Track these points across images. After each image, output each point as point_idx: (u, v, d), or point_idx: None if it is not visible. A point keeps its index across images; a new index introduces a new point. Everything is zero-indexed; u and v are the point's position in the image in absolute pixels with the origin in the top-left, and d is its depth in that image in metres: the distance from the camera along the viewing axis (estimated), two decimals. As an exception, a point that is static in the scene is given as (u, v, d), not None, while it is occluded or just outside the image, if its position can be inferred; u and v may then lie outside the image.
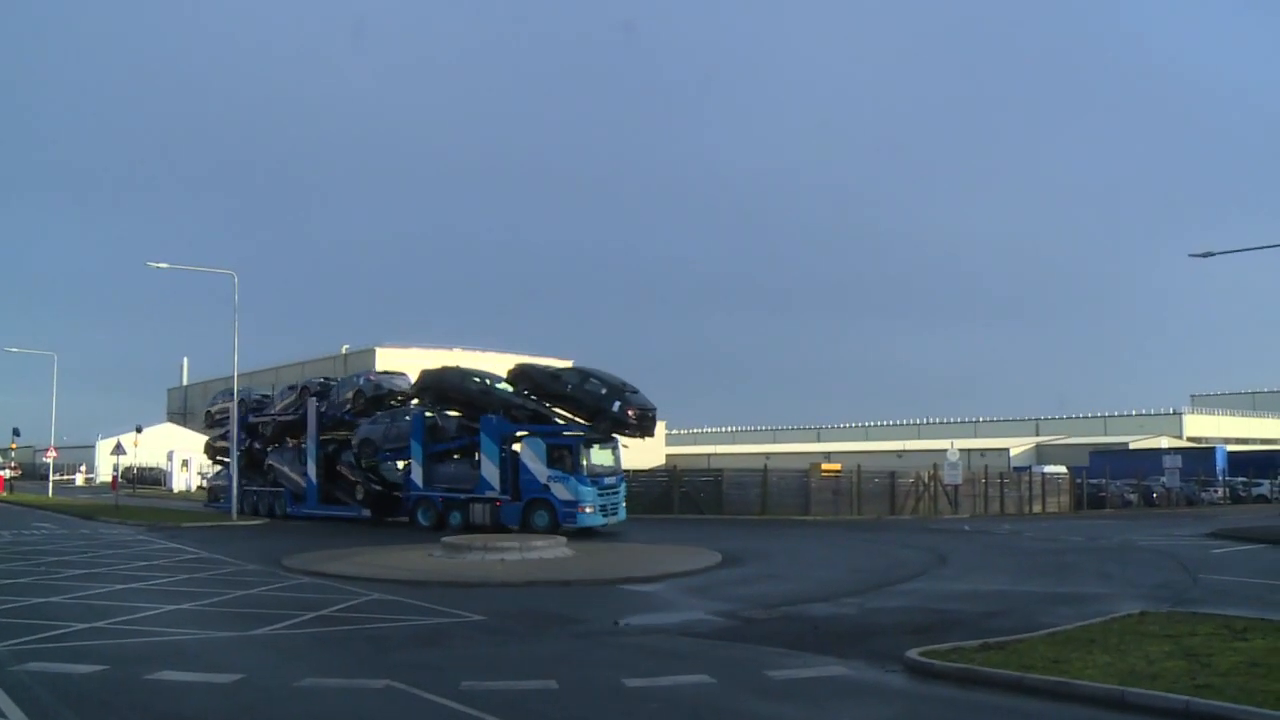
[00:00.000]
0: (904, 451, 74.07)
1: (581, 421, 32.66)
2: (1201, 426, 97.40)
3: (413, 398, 37.02)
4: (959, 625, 13.65)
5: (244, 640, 13.09)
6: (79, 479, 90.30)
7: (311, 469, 37.79)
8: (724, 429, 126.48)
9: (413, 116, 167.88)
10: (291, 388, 41.40)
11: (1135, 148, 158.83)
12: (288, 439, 40.95)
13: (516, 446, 32.56)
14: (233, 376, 41.19)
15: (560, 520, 30.17)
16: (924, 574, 21.03)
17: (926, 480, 44.84)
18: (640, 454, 40.81)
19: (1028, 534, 32.77)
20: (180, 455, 78.22)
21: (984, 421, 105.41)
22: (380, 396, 37.39)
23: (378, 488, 37.13)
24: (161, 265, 40.14)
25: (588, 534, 29.83)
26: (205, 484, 45.07)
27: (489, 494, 32.03)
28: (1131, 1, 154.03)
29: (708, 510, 42.15)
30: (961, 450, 46.15)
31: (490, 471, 32.18)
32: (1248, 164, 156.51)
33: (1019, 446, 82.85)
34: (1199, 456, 64.28)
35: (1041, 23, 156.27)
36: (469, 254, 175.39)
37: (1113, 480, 52.69)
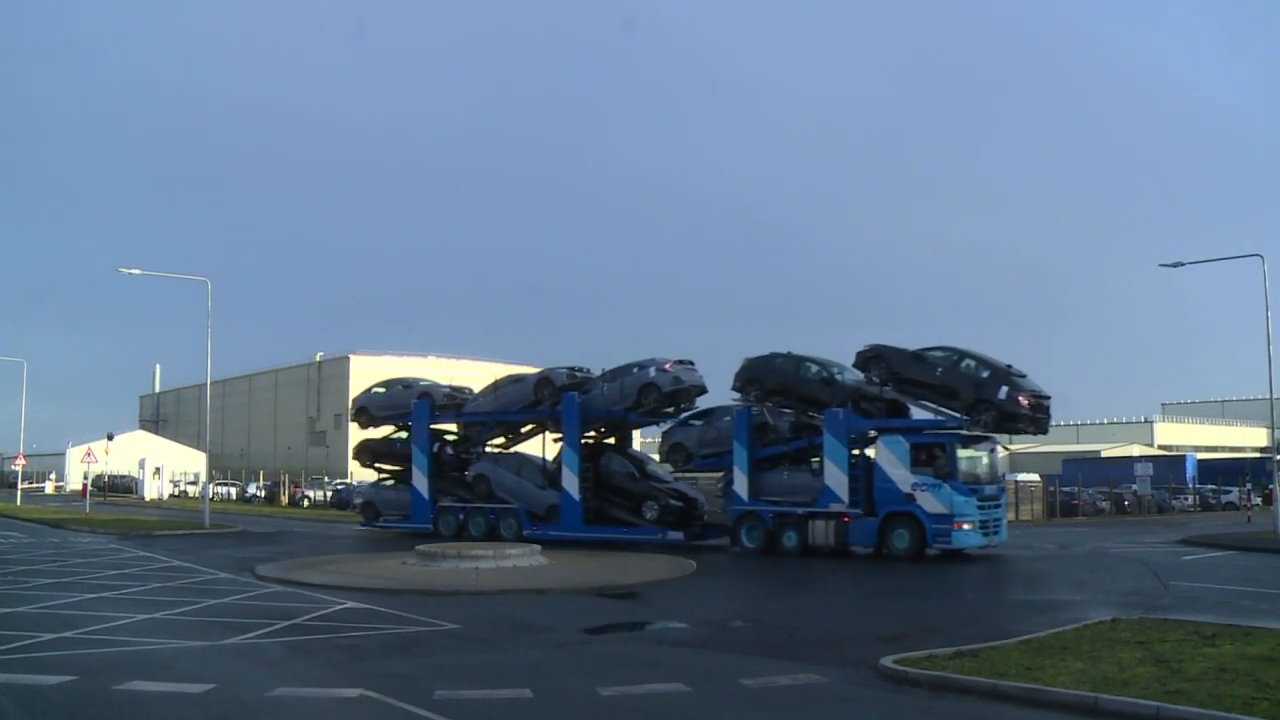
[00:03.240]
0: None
1: (952, 414, 25.99)
2: (1172, 435, 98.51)
3: (736, 391, 29.46)
4: (933, 633, 13.70)
5: (215, 650, 12.95)
6: (49, 487, 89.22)
7: (572, 481, 30.49)
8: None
9: (387, 126, 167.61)
10: (516, 380, 33.75)
11: (1108, 158, 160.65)
12: (483, 444, 35.08)
13: (869, 449, 27.03)
14: (205, 384, 40.89)
15: (930, 539, 24.60)
16: (899, 582, 21.10)
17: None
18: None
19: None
20: (152, 463, 77.47)
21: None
22: (679, 392, 30.43)
23: (677, 503, 30.05)
24: (133, 271, 39.90)
25: (571, 543, 28.59)
26: (357, 497, 37.50)
27: (834, 507, 25.99)
28: (1105, 13, 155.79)
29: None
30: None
31: (836, 479, 26.05)
32: (1218, 175, 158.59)
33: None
34: (1170, 464, 64.93)
35: (1019, 35, 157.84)
36: (444, 263, 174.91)
37: (1085, 488, 53.07)
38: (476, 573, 21.10)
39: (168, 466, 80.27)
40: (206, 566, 23.25)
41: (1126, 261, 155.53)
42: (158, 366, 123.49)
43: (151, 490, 74.75)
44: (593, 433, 32.28)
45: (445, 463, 34.67)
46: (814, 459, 27.36)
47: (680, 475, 31.82)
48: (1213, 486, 60.81)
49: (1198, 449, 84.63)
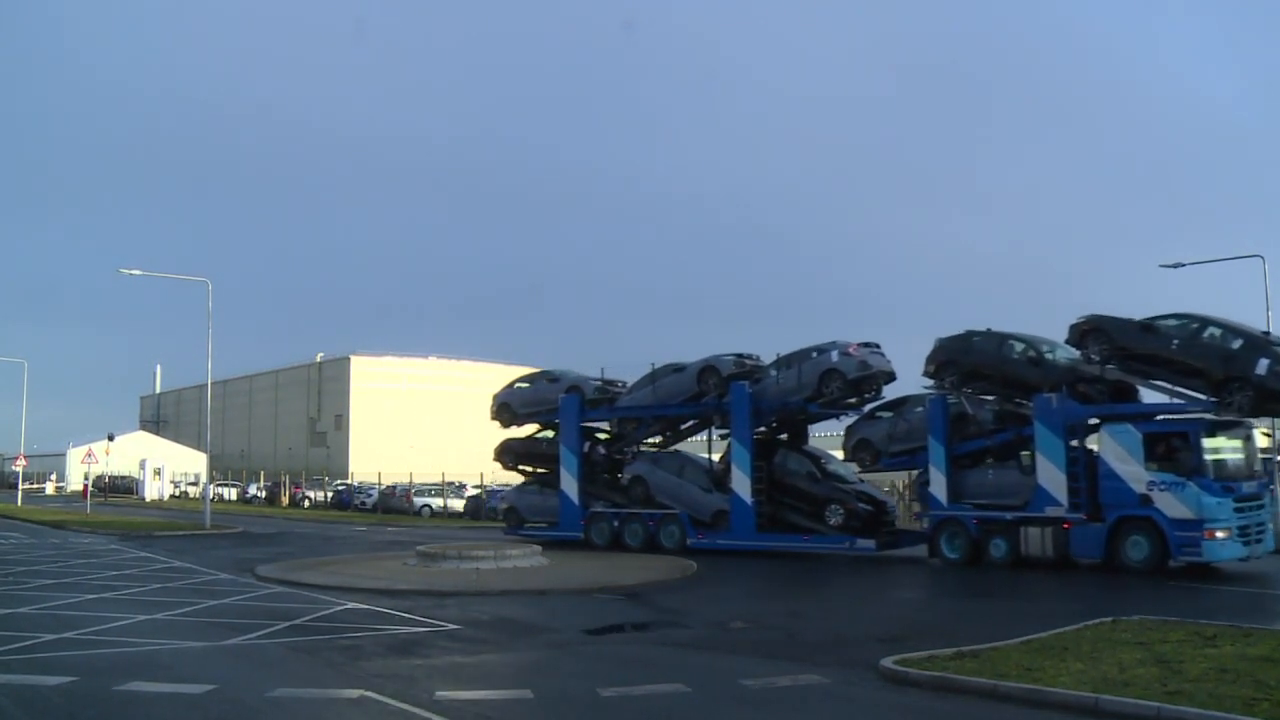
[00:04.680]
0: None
1: (1194, 395, 21.49)
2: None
3: (929, 377, 25.46)
4: (933, 633, 13.70)
5: (216, 650, 12.96)
6: (49, 488, 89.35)
7: (744, 483, 26.62)
8: (700, 438, 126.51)
9: (387, 126, 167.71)
10: (677, 369, 29.54)
11: (1107, 158, 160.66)
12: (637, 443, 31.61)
13: (1090, 441, 22.62)
14: (206, 384, 40.90)
15: (1173, 550, 20.21)
16: (900, 584, 21.10)
17: (902, 490, 44.85)
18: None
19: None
20: (153, 464, 77.54)
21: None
22: (865, 379, 26.55)
23: (865, 507, 26.21)
24: (134, 272, 39.96)
25: (571, 544, 28.21)
26: (500, 502, 34.17)
27: (1051, 511, 21.93)
28: (1104, 13, 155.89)
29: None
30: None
31: (1051, 478, 22.00)
32: (1218, 175, 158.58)
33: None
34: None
35: (1018, 35, 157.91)
36: (445, 263, 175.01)
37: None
38: (477, 573, 21.11)
39: (168, 467, 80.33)
40: (207, 567, 23.27)
41: (1126, 262, 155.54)
42: (158, 367, 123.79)
43: (152, 491, 74.83)
44: (762, 428, 28.27)
45: (596, 464, 31.26)
46: (1023, 453, 23.55)
47: (863, 476, 28.23)
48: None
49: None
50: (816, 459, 28.13)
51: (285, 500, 63.97)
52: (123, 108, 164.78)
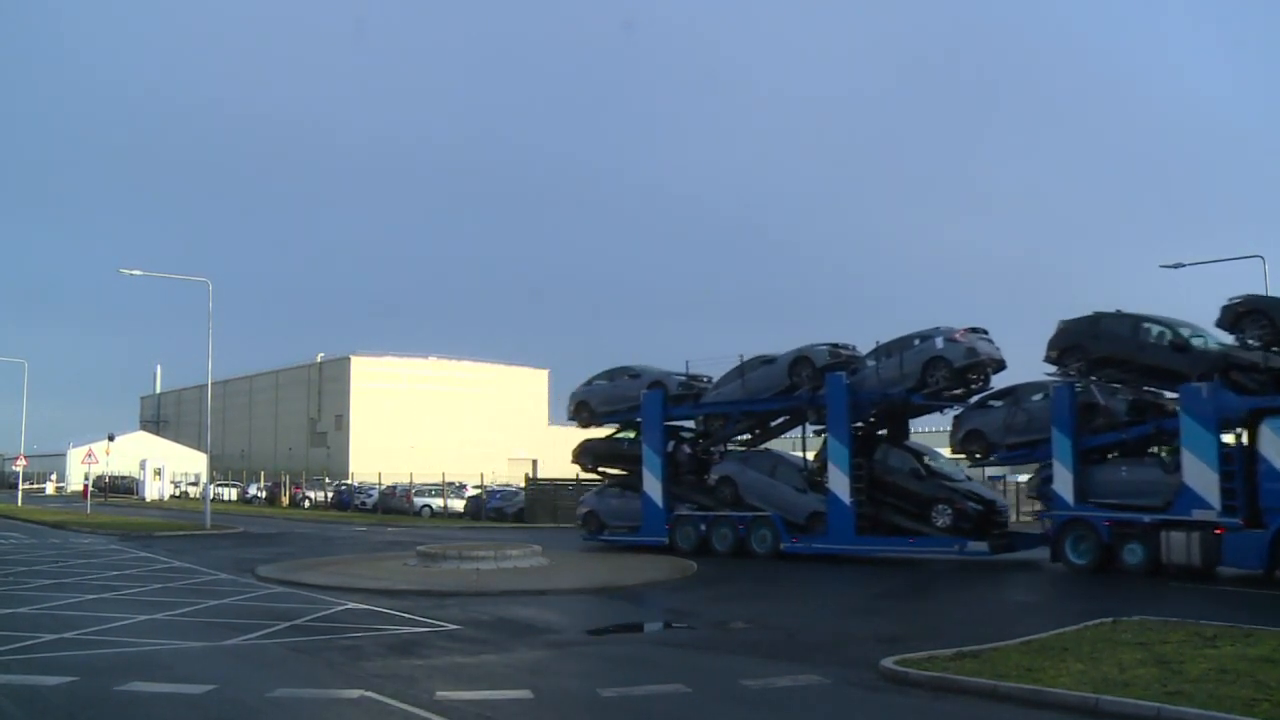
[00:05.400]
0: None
1: None
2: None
3: (1052, 363, 23.23)
4: (934, 634, 13.70)
5: (216, 650, 12.96)
6: (49, 488, 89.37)
7: (842, 482, 24.83)
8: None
9: (387, 127, 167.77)
10: (767, 361, 27.68)
11: (1107, 158, 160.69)
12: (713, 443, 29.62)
13: (1243, 435, 20.27)
14: (206, 384, 40.89)
15: None
16: (900, 582, 21.09)
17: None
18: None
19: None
20: (153, 464, 77.54)
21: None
22: (973, 367, 24.63)
23: (975, 506, 24.28)
24: (134, 272, 39.97)
25: (564, 542, 28.63)
26: (581, 506, 32.21)
27: (1199, 514, 19.65)
28: (1103, 12, 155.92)
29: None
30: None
31: (1201, 477, 19.69)
32: (1218, 175, 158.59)
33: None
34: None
35: (1017, 36, 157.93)
36: (445, 263, 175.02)
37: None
38: (477, 573, 21.11)
39: (168, 467, 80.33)
40: (207, 567, 23.26)
41: (1126, 262, 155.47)
42: (158, 367, 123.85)
43: (152, 491, 74.82)
44: (859, 423, 26.35)
45: (681, 464, 29.44)
46: (1162, 449, 21.70)
47: (969, 474, 26.66)
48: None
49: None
50: (919, 455, 26.08)
51: (285, 500, 63.99)
52: (123, 108, 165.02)
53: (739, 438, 29.83)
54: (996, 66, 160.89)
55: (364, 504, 55.93)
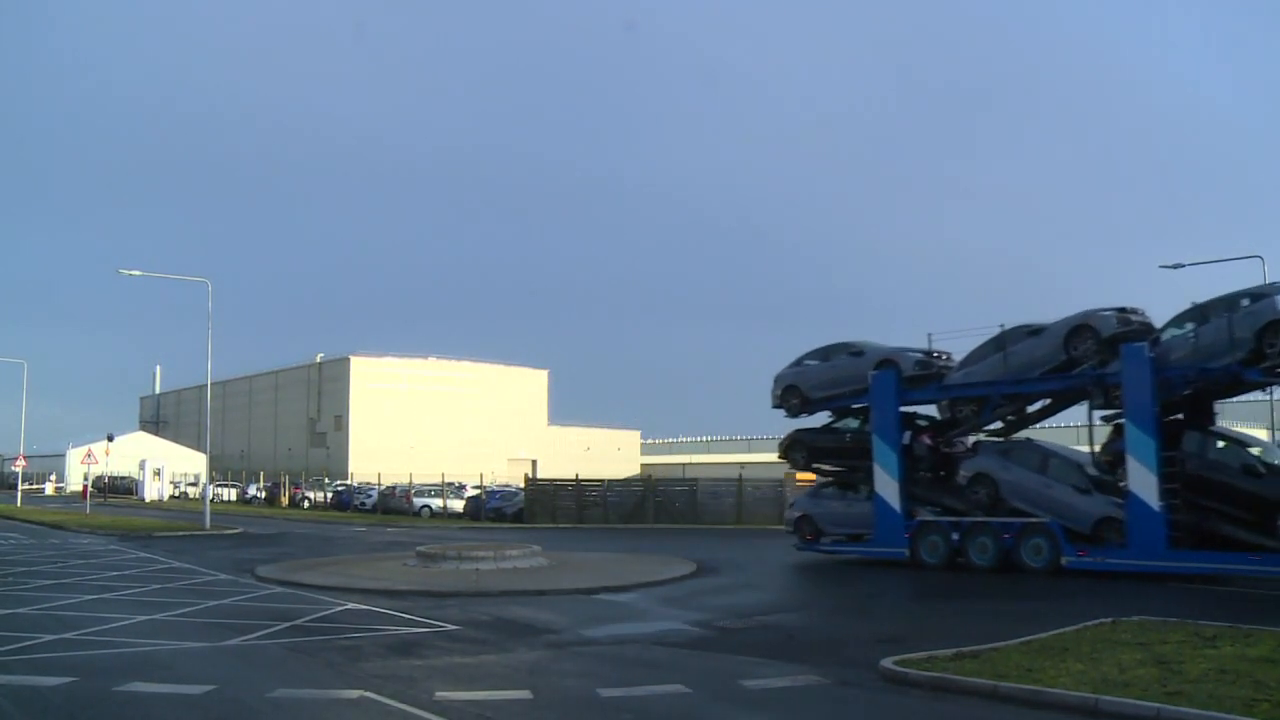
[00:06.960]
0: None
1: None
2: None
3: None
4: (933, 634, 13.70)
5: (216, 651, 12.96)
6: (49, 488, 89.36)
7: (1147, 480, 19.83)
8: (699, 439, 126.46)
9: (387, 127, 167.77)
10: (1033, 332, 22.99)
11: (1107, 158, 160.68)
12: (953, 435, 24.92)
13: None
14: (206, 385, 40.88)
15: None
16: (897, 583, 21.08)
17: None
18: (615, 464, 40.57)
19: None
20: (153, 464, 77.53)
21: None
22: None
23: None
24: (134, 272, 39.98)
25: (563, 543, 28.78)
26: (793, 510, 27.35)
27: None
28: (1103, 12, 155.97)
29: (683, 520, 42.21)
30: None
31: None
32: (1218, 175, 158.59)
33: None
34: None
35: (1016, 36, 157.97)
36: (444, 264, 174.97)
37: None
38: (477, 574, 21.11)
39: (168, 468, 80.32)
40: (207, 568, 23.26)
41: (1126, 262, 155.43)
42: (158, 367, 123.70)
43: (152, 491, 74.81)
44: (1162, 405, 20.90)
45: (918, 459, 24.61)
46: None
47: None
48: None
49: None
50: (1244, 445, 21.24)
51: (285, 501, 64.00)
52: (123, 108, 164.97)
53: (989, 426, 24.90)
54: (995, 67, 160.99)
55: (363, 504, 55.95)
